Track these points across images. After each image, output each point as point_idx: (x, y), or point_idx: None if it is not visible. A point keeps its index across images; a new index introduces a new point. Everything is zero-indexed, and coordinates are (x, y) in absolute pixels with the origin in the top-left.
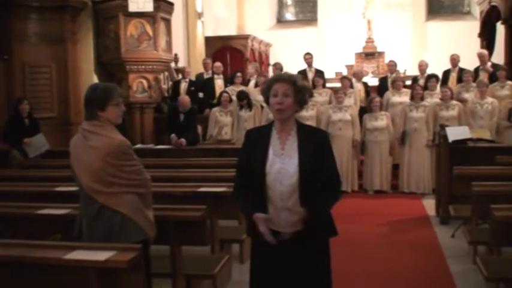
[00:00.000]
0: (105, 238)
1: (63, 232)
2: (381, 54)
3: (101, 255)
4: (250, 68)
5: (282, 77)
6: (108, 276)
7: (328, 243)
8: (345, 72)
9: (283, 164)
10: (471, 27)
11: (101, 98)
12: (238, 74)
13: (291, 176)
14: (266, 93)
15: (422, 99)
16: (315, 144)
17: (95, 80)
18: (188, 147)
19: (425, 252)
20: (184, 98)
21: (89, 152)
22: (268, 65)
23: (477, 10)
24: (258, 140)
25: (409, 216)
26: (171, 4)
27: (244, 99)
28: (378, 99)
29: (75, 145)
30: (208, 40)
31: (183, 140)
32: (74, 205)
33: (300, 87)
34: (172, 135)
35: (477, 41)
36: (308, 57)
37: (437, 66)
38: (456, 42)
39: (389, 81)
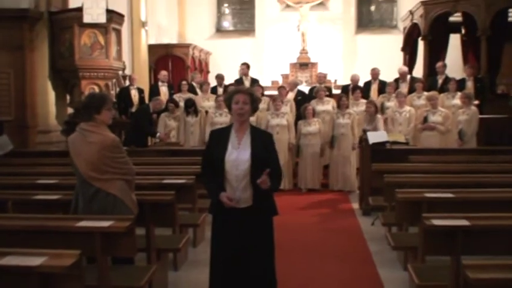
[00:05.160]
0: (99, 214)
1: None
2: (314, 64)
3: (104, 223)
4: (197, 78)
5: (242, 90)
6: (109, 239)
7: (272, 220)
8: (280, 81)
9: (238, 154)
10: (397, 40)
11: (97, 104)
12: (184, 82)
13: (244, 163)
14: (228, 101)
15: (347, 107)
16: (263, 142)
17: (49, 85)
18: (143, 149)
19: (350, 236)
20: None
21: (87, 146)
22: (208, 72)
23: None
24: (220, 137)
25: (337, 209)
26: (122, 16)
27: (192, 107)
28: (310, 107)
29: (74, 141)
30: (151, 48)
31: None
32: (60, 192)
33: (255, 98)
34: (160, 133)
35: (402, 53)
36: (244, 67)
37: (367, 76)
38: (383, 53)
39: None
